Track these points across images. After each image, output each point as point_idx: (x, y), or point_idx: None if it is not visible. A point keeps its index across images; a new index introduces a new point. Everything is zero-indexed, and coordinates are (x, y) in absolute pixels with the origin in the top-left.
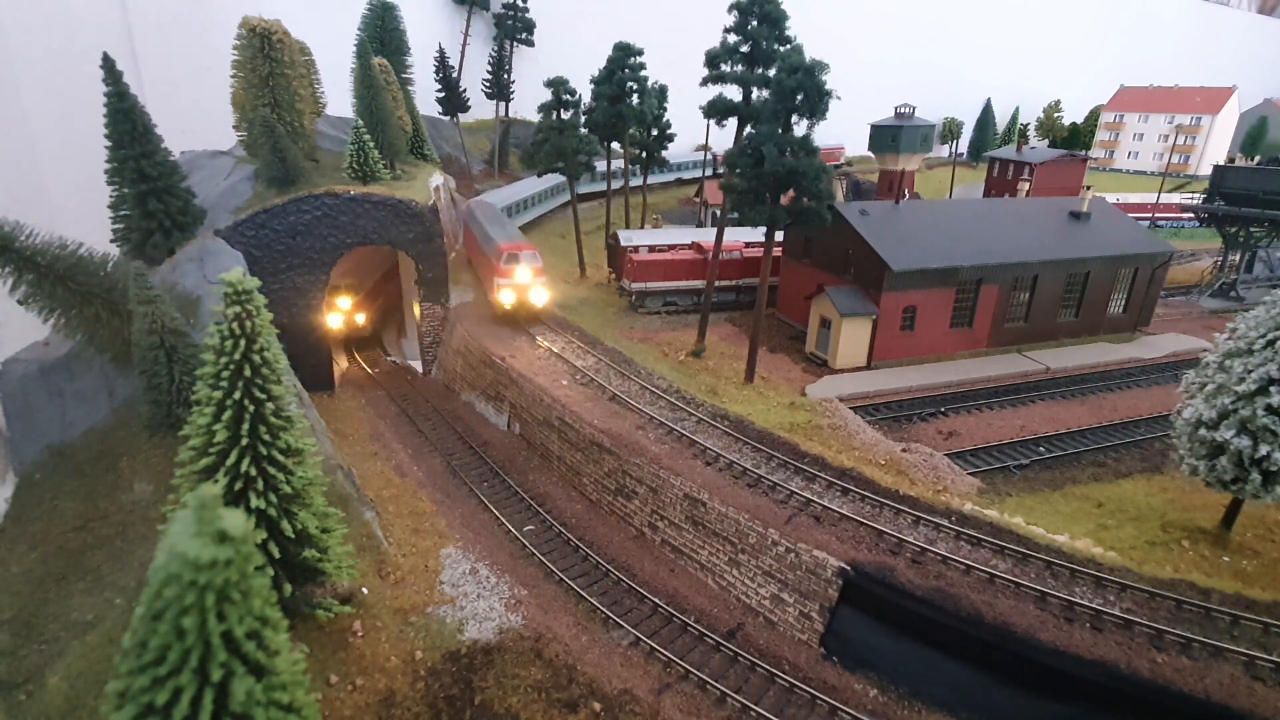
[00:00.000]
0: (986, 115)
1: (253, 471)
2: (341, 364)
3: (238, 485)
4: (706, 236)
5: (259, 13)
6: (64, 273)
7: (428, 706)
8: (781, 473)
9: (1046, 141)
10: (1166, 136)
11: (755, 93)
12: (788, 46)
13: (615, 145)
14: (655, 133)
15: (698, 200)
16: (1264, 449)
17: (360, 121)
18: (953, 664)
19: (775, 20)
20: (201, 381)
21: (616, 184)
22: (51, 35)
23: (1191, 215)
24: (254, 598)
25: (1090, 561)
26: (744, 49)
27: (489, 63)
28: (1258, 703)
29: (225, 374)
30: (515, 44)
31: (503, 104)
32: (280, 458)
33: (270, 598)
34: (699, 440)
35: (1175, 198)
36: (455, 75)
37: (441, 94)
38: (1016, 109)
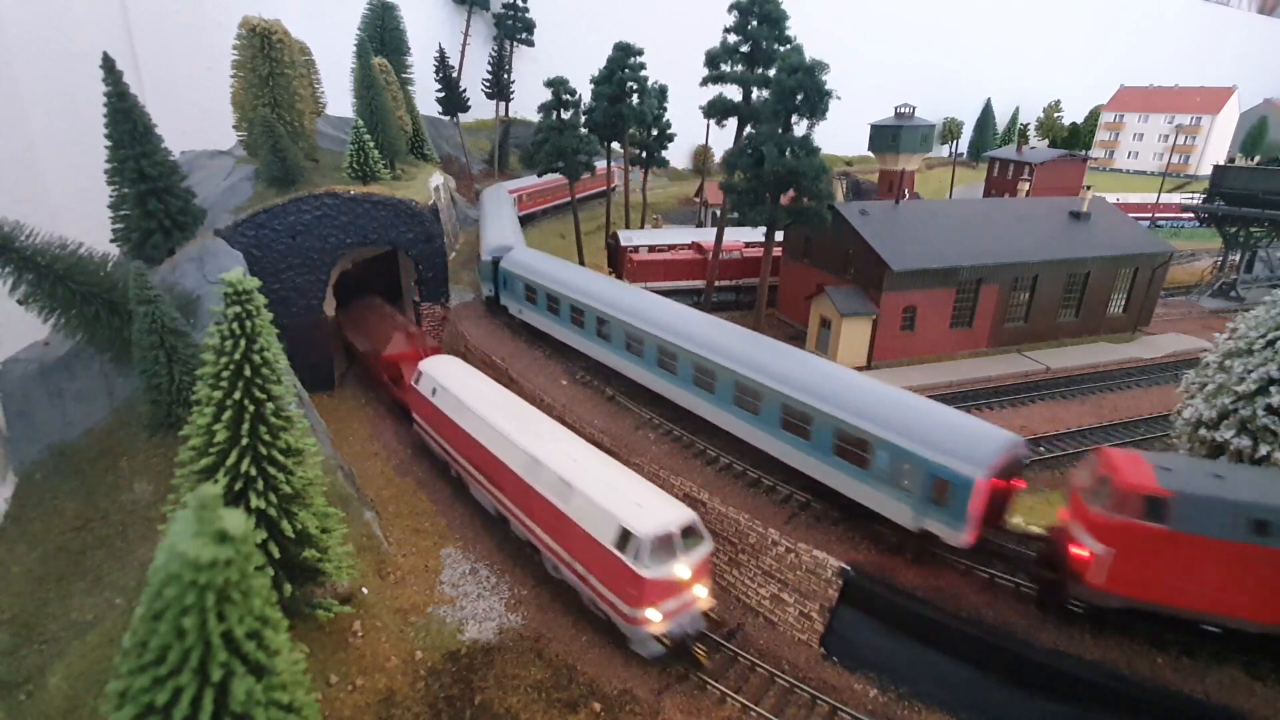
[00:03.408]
0: (986, 115)
1: (253, 471)
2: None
3: (238, 485)
4: (706, 236)
5: (259, 13)
6: (64, 272)
7: (428, 706)
8: (781, 472)
9: (1046, 141)
10: (1166, 136)
11: (755, 93)
12: (788, 46)
13: (615, 145)
14: (655, 133)
15: (698, 200)
16: (1264, 449)
17: (360, 121)
18: (953, 664)
19: (775, 20)
20: (201, 381)
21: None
22: (51, 35)
23: (1191, 215)
24: (254, 598)
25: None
26: (744, 49)
27: (489, 63)
28: (1258, 703)
29: (225, 374)
30: (515, 44)
31: (503, 104)
32: (280, 458)
33: (270, 598)
34: (699, 440)
35: (1175, 198)
36: (455, 75)
37: (441, 94)
38: (1016, 109)
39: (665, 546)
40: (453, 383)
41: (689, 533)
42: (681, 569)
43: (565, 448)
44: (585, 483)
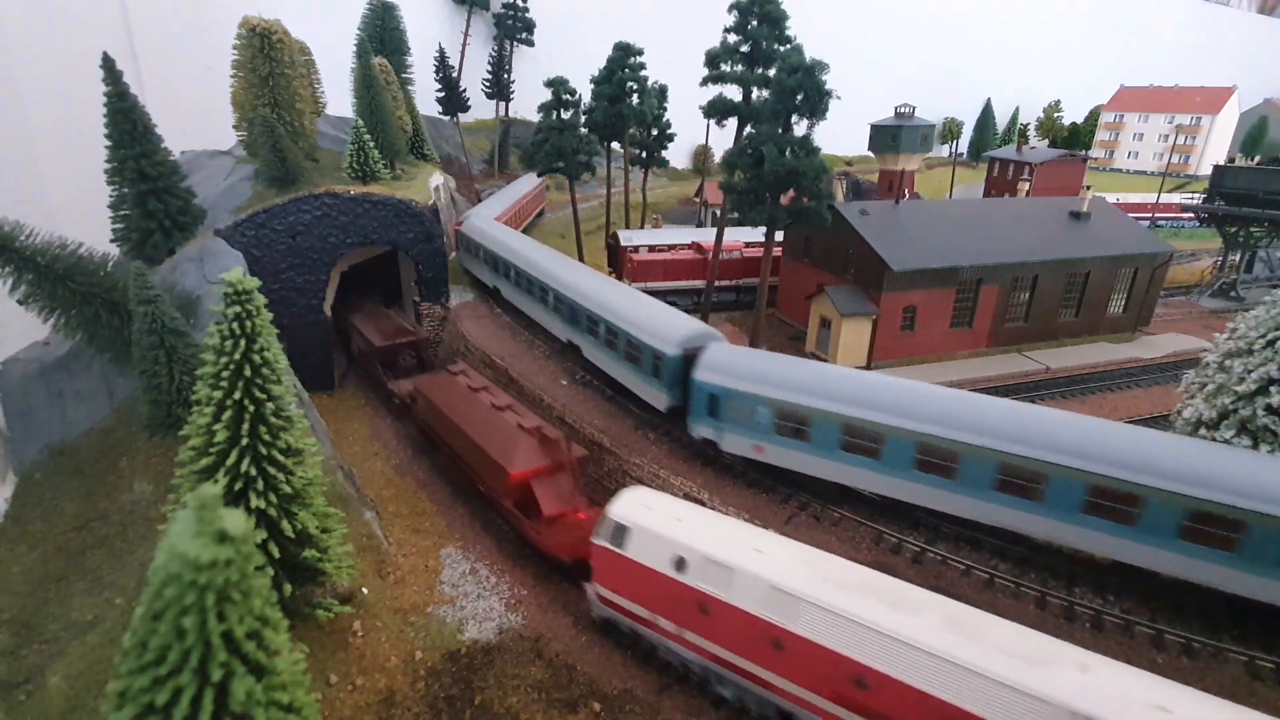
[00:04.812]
0: (986, 115)
1: (253, 471)
2: None
3: (238, 485)
4: (706, 236)
5: (259, 13)
6: (64, 272)
7: (428, 706)
8: (781, 472)
9: (1046, 141)
10: (1166, 136)
11: (755, 93)
12: (788, 46)
13: (615, 145)
14: (655, 133)
15: (698, 200)
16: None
17: (360, 121)
18: None
19: (775, 20)
20: (201, 381)
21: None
22: (51, 35)
23: (1191, 215)
24: (254, 598)
25: (1089, 561)
26: (744, 49)
27: (489, 63)
28: (1258, 703)
29: (225, 374)
30: (515, 44)
31: (503, 104)
32: (280, 458)
33: (270, 598)
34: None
35: (1175, 198)
36: (455, 75)
37: (441, 94)
38: (1016, 109)
39: None
40: (729, 551)
41: None
42: None
43: (1065, 654)
44: None
